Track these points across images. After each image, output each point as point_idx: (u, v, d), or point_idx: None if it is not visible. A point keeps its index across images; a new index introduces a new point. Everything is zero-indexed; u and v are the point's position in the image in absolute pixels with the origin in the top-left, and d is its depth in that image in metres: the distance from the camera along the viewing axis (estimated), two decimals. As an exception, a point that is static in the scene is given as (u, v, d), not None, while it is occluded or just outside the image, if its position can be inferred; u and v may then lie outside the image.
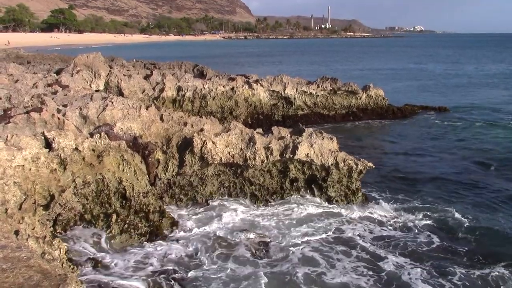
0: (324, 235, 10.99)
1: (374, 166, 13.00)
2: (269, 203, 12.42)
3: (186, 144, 12.26)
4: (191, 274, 9.08)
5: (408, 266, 9.77)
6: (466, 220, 12.06)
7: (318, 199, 12.63)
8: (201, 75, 30.35)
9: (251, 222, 11.45)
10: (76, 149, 10.53)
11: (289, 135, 13.20)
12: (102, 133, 11.22)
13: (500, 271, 9.48)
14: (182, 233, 10.73)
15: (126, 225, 10.45)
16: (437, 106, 30.25)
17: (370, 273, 9.45)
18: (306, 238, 10.78)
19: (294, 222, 11.53)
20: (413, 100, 32.48)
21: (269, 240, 10.51)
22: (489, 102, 33.77)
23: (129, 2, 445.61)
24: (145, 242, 10.21)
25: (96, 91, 18.66)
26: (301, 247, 10.39)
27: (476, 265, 9.85)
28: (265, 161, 12.38)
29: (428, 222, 11.90)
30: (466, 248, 10.63)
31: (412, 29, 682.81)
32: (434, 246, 10.73)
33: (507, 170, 16.87)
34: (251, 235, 10.55)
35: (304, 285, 8.94)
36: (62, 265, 7.47)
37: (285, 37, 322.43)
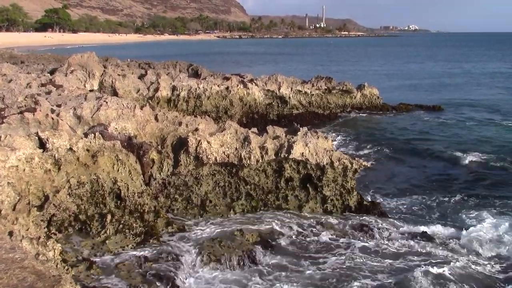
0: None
1: (368, 165, 13.04)
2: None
3: (181, 144, 12.24)
4: (186, 276, 9.06)
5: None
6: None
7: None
8: (195, 74, 30.32)
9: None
10: (71, 149, 10.48)
11: (284, 135, 13.20)
12: (97, 133, 11.17)
13: None
14: (179, 234, 10.70)
15: (121, 226, 10.41)
16: (431, 104, 30.40)
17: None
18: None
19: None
20: (408, 99, 32.60)
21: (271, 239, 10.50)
22: (485, 101, 33.91)
23: (124, 1, 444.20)
24: (140, 243, 10.17)
25: (90, 91, 18.59)
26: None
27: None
28: (260, 160, 12.37)
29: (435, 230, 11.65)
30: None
31: (406, 28, 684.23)
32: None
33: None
34: (249, 236, 10.52)
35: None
36: (56, 266, 7.43)
37: (279, 37, 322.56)
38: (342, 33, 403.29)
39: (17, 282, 4.57)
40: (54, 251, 7.90)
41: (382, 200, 13.71)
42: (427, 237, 11.07)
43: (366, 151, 19.54)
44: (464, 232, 11.33)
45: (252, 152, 12.21)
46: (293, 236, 10.95)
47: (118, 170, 11.15)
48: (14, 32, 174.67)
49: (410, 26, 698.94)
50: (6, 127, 10.78)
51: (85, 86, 21.48)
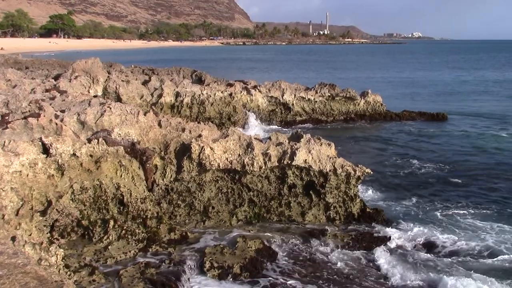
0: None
1: (371, 172, 12.99)
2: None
3: (184, 150, 12.24)
4: (188, 283, 9.03)
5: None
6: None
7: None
8: (199, 81, 30.44)
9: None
10: (74, 154, 10.50)
11: (287, 141, 13.19)
12: (100, 139, 11.20)
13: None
14: (181, 241, 10.68)
15: (123, 231, 10.41)
16: (436, 112, 30.20)
17: None
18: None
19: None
20: (413, 106, 32.44)
21: (274, 248, 10.47)
22: (490, 110, 33.54)
23: (128, 8, 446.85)
24: (142, 249, 10.14)
25: (94, 96, 18.63)
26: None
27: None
28: (263, 167, 12.35)
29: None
30: None
31: (410, 35, 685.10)
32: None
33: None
34: (252, 243, 10.49)
35: None
36: (58, 271, 7.42)
37: (283, 43, 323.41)
38: (346, 40, 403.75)
39: (20, 287, 4.57)
40: (57, 256, 7.89)
41: (385, 208, 13.62)
42: (432, 246, 11.01)
43: (367, 159, 19.45)
44: (470, 241, 11.27)
45: (255, 159, 12.20)
46: (296, 245, 10.89)
47: (121, 176, 11.17)
48: (19, 38, 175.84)
49: (414, 34, 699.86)
50: (10, 132, 10.83)
51: (89, 92, 21.58)
